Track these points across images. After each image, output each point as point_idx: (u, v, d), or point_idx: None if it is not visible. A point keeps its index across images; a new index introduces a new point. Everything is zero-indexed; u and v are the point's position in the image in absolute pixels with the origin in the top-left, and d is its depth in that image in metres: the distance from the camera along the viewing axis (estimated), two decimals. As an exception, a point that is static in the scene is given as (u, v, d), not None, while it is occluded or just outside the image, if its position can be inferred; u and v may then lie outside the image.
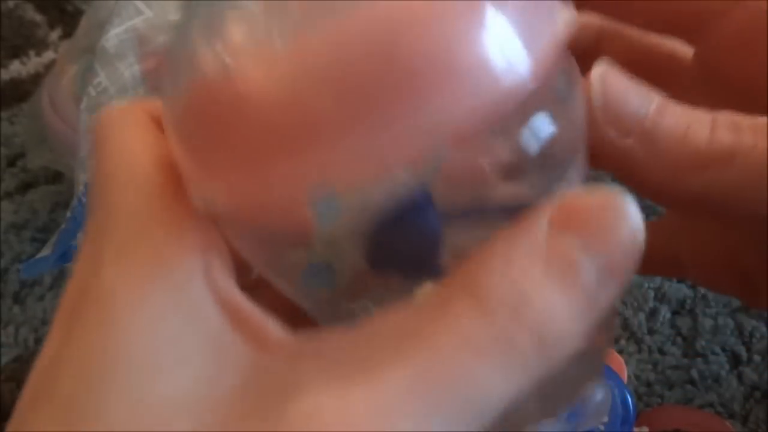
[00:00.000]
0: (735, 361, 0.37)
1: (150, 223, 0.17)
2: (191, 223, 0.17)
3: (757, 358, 0.37)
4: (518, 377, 0.15)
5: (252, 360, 0.16)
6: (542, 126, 0.16)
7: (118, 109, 0.19)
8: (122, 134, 0.18)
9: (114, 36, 0.36)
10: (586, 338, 0.16)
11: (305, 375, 0.15)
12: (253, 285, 0.18)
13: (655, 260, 0.20)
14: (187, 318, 0.17)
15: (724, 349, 0.38)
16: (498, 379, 0.15)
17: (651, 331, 0.39)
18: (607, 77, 0.19)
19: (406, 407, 0.15)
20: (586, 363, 0.19)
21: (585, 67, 0.19)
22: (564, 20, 0.15)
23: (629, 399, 0.28)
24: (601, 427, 0.28)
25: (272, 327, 0.17)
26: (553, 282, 0.16)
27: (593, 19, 0.24)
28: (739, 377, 0.37)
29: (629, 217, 0.16)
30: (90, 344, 0.17)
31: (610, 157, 0.20)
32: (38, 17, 0.61)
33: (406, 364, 0.15)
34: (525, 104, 0.15)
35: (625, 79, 0.20)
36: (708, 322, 0.39)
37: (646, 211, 0.16)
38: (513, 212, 0.16)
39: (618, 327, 0.39)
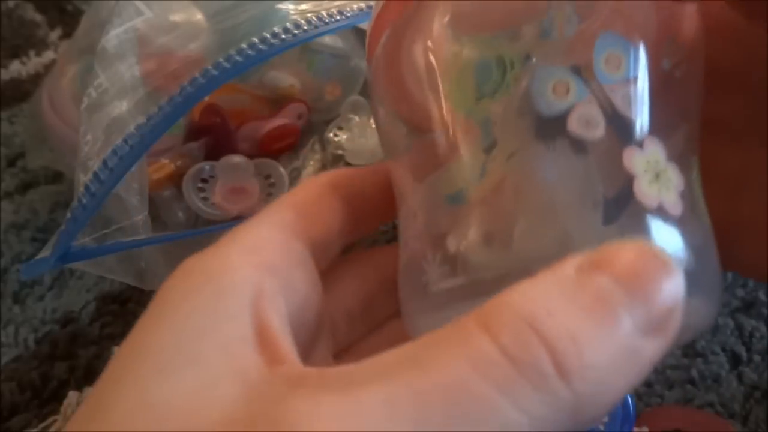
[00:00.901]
0: (735, 361, 0.37)
1: (238, 239, 0.20)
2: (273, 250, 0.20)
3: (757, 358, 0.37)
4: (534, 405, 0.14)
5: (261, 374, 0.17)
6: None
7: (313, 179, 0.24)
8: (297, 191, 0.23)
9: (114, 36, 0.36)
10: (631, 386, 0.15)
11: (297, 390, 0.16)
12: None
13: None
14: (217, 322, 0.18)
15: (724, 349, 0.38)
16: (512, 404, 0.14)
17: (651, 331, 0.39)
18: None
19: (380, 415, 0.15)
20: None
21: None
22: None
23: (629, 399, 0.28)
24: (602, 427, 0.28)
25: (292, 355, 0.18)
26: (584, 314, 0.15)
27: None
28: (739, 377, 0.37)
29: (665, 265, 0.15)
30: (135, 335, 0.18)
31: None
32: (38, 17, 0.61)
33: (390, 380, 0.15)
34: None
35: None
36: (708, 322, 0.39)
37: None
38: None
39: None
